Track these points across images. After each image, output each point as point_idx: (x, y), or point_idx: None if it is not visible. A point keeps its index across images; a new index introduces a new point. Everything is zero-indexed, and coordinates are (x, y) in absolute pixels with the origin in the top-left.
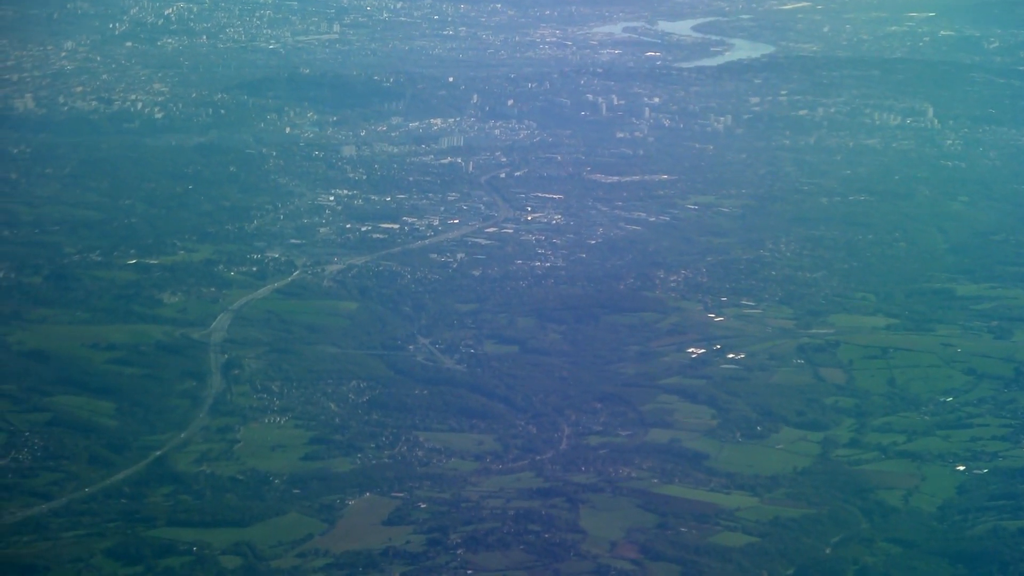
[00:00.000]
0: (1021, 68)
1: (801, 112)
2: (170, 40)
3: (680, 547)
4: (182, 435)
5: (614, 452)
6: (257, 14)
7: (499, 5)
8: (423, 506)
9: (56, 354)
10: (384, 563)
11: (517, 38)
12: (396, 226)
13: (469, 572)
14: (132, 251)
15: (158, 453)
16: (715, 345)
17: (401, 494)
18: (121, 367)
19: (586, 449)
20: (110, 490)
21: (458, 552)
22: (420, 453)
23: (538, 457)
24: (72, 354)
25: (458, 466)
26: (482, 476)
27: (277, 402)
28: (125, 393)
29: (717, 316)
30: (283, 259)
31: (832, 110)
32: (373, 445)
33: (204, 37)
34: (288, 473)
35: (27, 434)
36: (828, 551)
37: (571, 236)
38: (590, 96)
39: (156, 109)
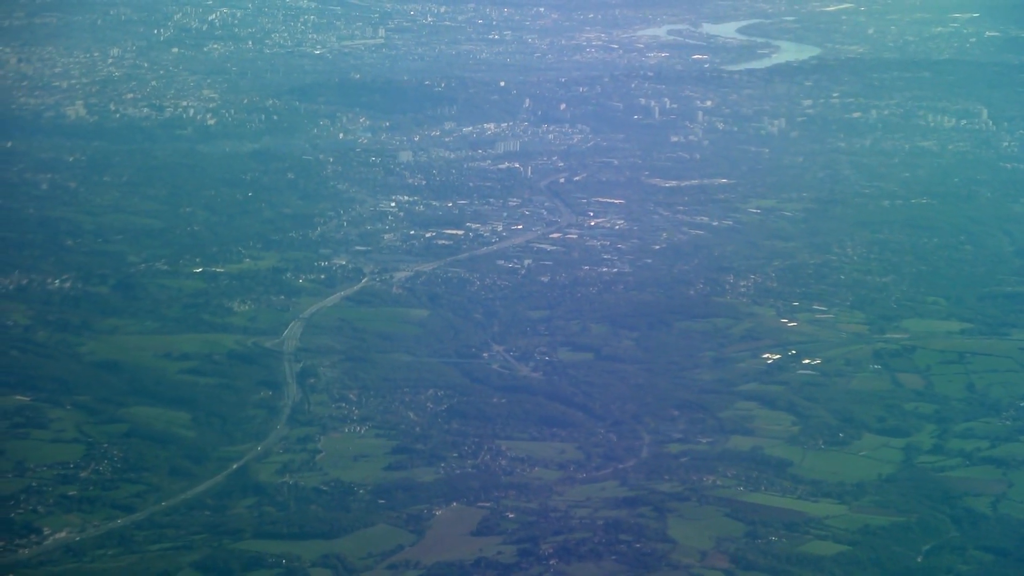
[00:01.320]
0: None
1: (854, 114)
2: (216, 46)
3: (771, 556)
4: (261, 446)
5: (696, 460)
6: (301, 19)
7: (542, 9)
8: (511, 516)
9: (128, 364)
10: (476, 574)
11: (563, 42)
12: (460, 232)
13: None
14: (197, 259)
15: (238, 464)
16: (790, 351)
17: (488, 504)
18: (195, 377)
19: (668, 457)
20: (192, 502)
21: (551, 563)
22: (503, 462)
23: (620, 465)
24: (144, 364)
25: (542, 475)
26: (567, 485)
27: (356, 411)
28: (200, 403)
29: (790, 321)
30: (350, 266)
31: (885, 112)
32: (456, 454)
33: (250, 43)
34: (372, 483)
35: (105, 446)
36: (920, 560)
37: (635, 241)
38: (642, 100)
39: (208, 116)
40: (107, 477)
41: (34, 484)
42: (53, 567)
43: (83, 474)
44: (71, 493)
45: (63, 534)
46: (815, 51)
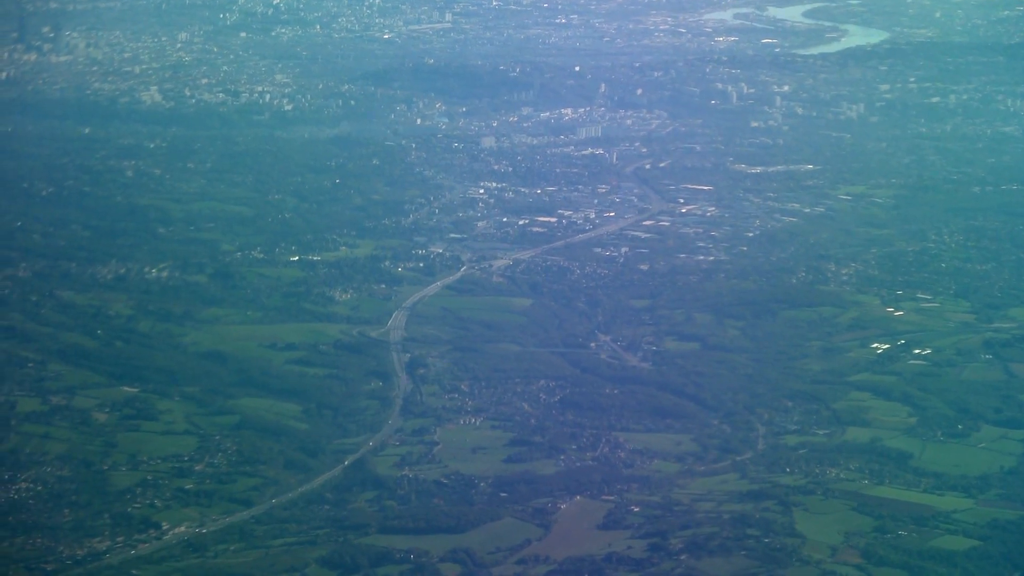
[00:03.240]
0: None
1: (933, 99)
2: (283, 30)
3: (903, 551)
4: (375, 438)
5: (815, 452)
6: (367, 3)
7: None
8: (636, 510)
9: (234, 355)
10: (609, 570)
11: (630, 26)
12: (553, 219)
13: None
14: (293, 247)
15: (354, 456)
16: (899, 340)
17: (611, 497)
18: (302, 367)
19: (785, 449)
20: (311, 496)
21: (682, 558)
22: (622, 454)
23: (738, 458)
24: (250, 354)
25: (661, 468)
26: (687, 478)
27: (469, 402)
28: (310, 394)
29: (896, 310)
30: (447, 254)
31: (964, 97)
32: (574, 447)
33: (317, 27)
34: (493, 476)
35: (217, 438)
36: None
37: (728, 228)
38: (718, 85)
39: (284, 101)
40: (222, 470)
41: (149, 477)
42: (175, 562)
43: (198, 467)
44: (187, 486)
45: (182, 528)
46: (884, 35)
